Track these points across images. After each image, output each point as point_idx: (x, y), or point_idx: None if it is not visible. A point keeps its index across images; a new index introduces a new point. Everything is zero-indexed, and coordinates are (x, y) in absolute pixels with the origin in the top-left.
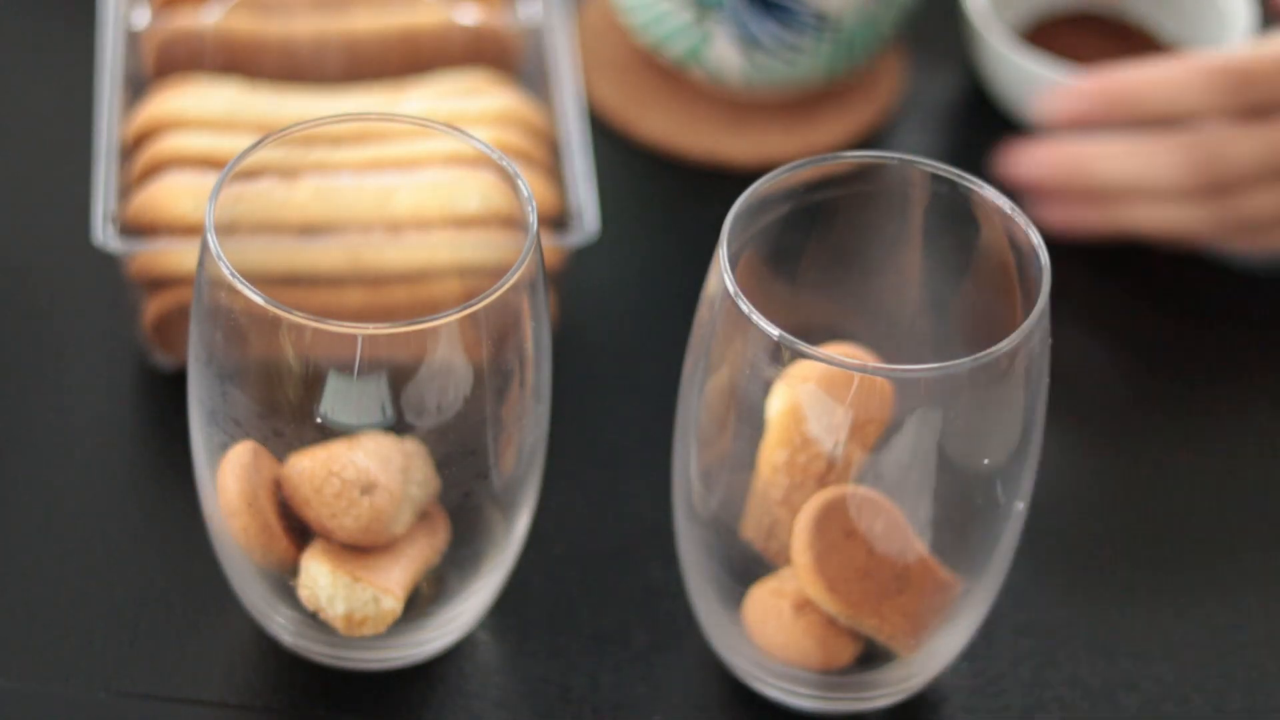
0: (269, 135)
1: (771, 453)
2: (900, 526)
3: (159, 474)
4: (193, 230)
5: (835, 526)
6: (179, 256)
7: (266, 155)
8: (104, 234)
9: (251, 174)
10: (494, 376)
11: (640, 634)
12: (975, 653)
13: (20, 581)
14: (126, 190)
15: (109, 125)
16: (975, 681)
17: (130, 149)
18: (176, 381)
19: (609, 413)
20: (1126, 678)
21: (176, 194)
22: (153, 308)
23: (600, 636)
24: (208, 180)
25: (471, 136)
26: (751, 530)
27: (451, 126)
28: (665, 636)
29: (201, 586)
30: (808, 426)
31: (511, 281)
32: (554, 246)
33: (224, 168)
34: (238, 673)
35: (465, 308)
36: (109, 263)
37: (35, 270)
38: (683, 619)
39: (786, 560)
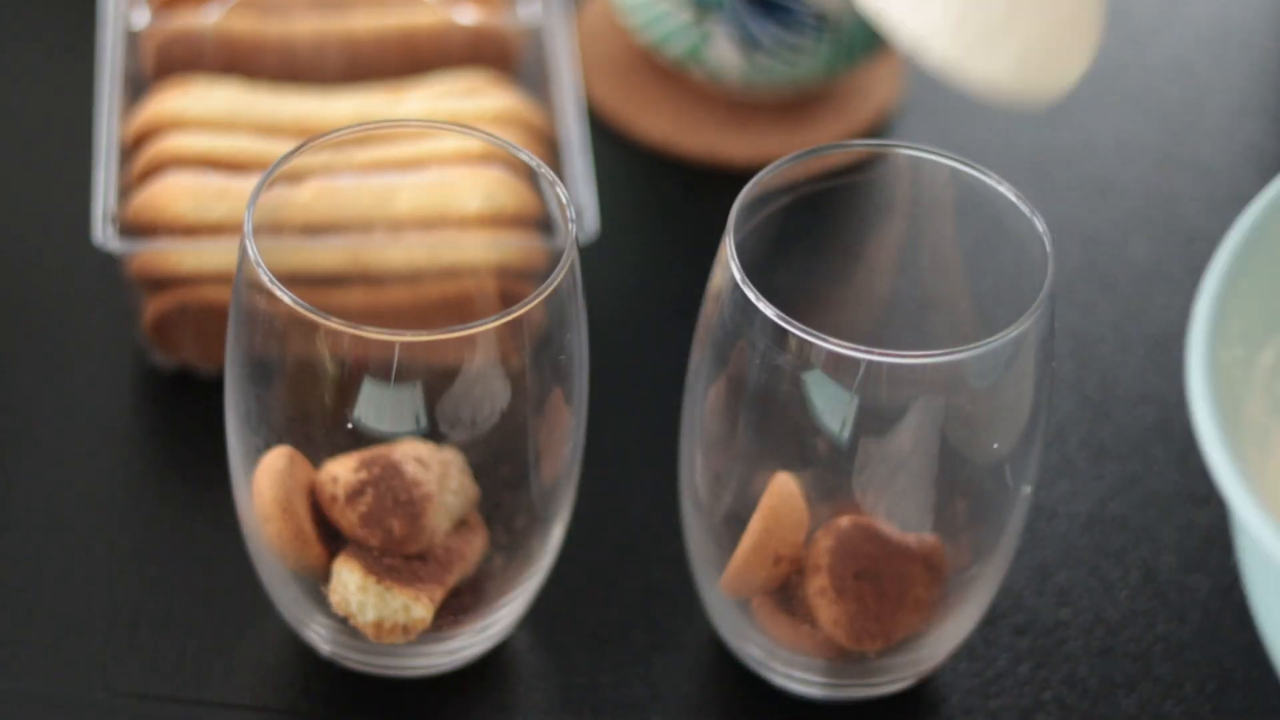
0: (308, 140)
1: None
2: (908, 554)
3: (159, 474)
4: (193, 230)
5: (846, 571)
6: (179, 256)
7: (307, 160)
8: (104, 234)
9: (291, 178)
10: (533, 384)
11: (640, 634)
12: (975, 652)
13: (20, 581)
14: (126, 190)
15: (109, 125)
16: (975, 681)
17: (130, 149)
18: (176, 381)
19: (609, 412)
20: (1126, 678)
21: (176, 194)
22: (153, 308)
23: (600, 636)
24: (208, 180)
25: (505, 141)
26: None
27: (489, 133)
28: (665, 636)
29: (202, 586)
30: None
31: (551, 288)
32: (553, 247)
33: (229, 169)
34: (237, 672)
35: (505, 315)
36: (109, 263)
37: (35, 270)
38: (683, 619)
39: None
